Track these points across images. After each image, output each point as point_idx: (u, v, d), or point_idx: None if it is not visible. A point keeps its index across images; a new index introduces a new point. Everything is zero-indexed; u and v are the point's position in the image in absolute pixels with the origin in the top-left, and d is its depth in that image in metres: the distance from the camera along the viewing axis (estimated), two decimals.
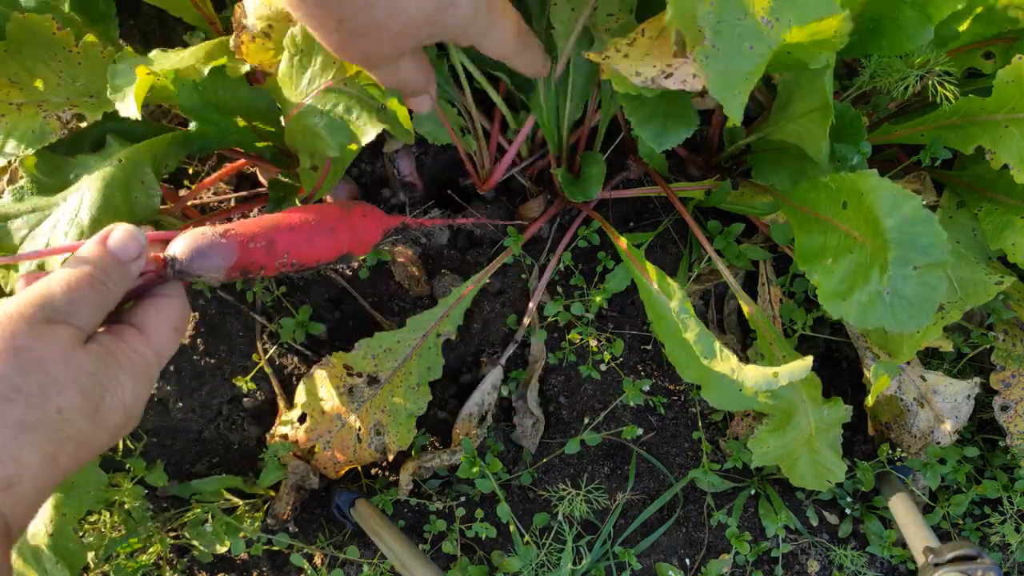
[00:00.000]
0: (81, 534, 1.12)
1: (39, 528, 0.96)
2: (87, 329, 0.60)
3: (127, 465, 1.16)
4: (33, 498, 0.54)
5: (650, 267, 0.99)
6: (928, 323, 0.74)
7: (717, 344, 0.89)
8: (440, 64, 1.03)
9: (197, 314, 1.22)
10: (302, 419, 1.15)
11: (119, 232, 0.64)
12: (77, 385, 0.56)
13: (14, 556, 0.97)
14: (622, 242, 1.08)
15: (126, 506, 1.13)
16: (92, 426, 0.57)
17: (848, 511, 1.29)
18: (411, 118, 0.84)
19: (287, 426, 1.16)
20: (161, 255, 0.70)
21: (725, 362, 0.80)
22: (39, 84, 0.90)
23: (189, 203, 1.11)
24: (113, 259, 0.63)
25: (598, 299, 1.21)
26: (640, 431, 1.25)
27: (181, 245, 0.70)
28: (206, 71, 0.81)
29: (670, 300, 0.93)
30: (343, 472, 1.16)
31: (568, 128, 1.09)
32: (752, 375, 0.77)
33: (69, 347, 0.57)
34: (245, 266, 0.75)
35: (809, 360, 0.78)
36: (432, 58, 1.02)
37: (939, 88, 0.89)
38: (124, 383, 0.61)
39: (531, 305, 1.21)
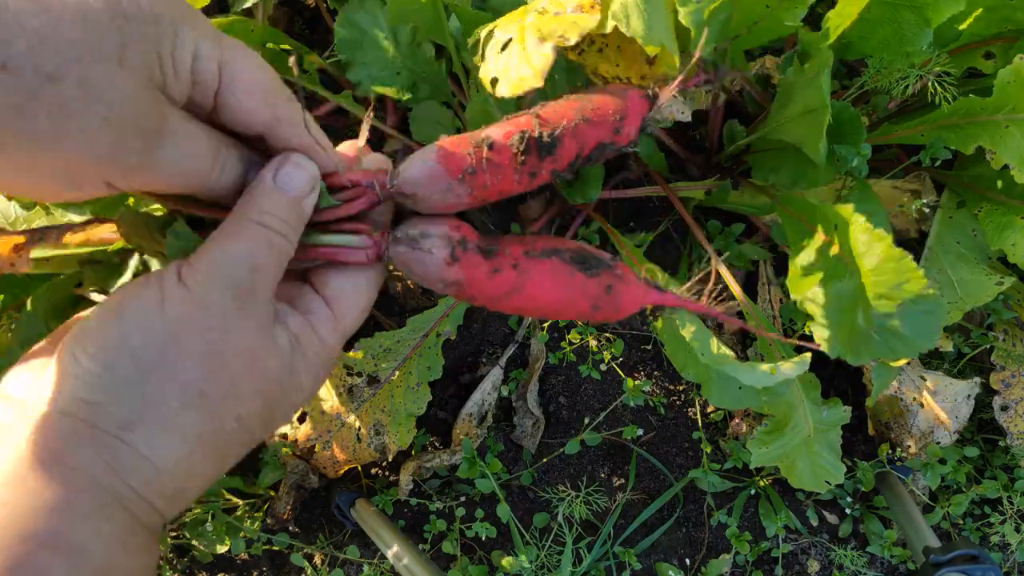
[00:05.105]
0: None
1: None
2: (271, 297, 0.50)
3: None
4: (193, 498, 0.48)
5: (649, 266, 0.99)
6: (931, 346, 0.72)
7: (714, 341, 0.89)
8: (437, 63, 1.03)
9: None
10: (301, 419, 1.15)
11: (288, 167, 0.51)
12: (260, 396, 0.48)
13: None
14: (621, 242, 1.08)
15: None
16: (264, 432, 0.51)
17: (848, 511, 1.29)
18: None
19: (286, 426, 1.16)
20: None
21: (722, 360, 0.79)
22: None
23: None
24: (285, 200, 0.50)
25: None
26: (640, 431, 1.25)
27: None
28: None
29: None
30: (343, 472, 1.16)
31: None
32: (748, 372, 0.77)
33: (257, 343, 0.48)
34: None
35: (807, 357, 0.78)
36: (430, 56, 1.02)
37: (937, 89, 0.89)
38: (304, 386, 0.52)
39: None
